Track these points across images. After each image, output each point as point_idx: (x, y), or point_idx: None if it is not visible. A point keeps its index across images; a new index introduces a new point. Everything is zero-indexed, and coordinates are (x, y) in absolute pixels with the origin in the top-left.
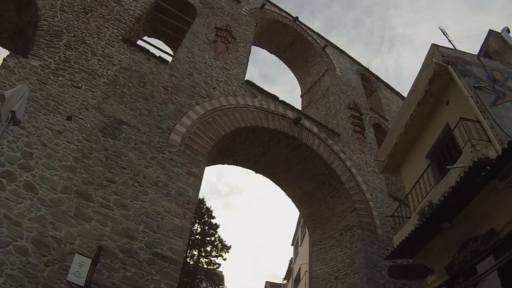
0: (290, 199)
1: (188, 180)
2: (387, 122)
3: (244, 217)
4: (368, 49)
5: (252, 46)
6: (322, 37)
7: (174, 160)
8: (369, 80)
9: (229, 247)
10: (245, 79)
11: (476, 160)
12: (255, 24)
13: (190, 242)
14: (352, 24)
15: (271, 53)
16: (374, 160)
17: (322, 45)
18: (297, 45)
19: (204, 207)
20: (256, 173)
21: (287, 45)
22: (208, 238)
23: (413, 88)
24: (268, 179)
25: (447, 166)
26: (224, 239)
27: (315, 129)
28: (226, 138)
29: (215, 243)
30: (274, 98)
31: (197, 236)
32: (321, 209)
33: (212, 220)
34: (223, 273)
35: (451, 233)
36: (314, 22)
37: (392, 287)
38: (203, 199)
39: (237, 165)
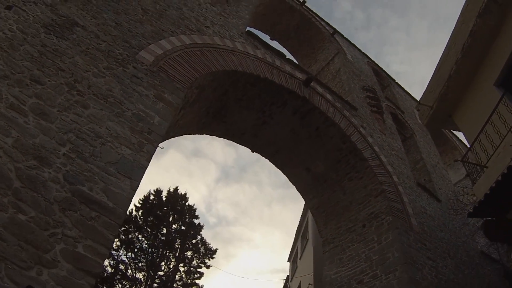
0: (295, 187)
1: (155, 105)
2: (404, 115)
3: (233, 247)
4: None
5: (254, 30)
6: (331, 26)
7: (139, 78)
8: (381, 76)
9: (215, 251)
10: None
11: None
12: None
13: (161, 243)
14: None
15: (273, 40)
16: (418, 105)
17: (331, 32)
18: (304, 30)
19: (187, 204)
20: (253, 151)
21: (292, 30)
22: (188, 241)
23: (467, 2)
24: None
25: None
26: (208, 236)
27: (328, 96)
28: (218, 86)
29: (198, 246)
30: (280, 55)
31: (177, 240)
32: (336, 196)
33: (195, 220)
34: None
35: None
36: None
37: None
38: (185, 194)
39: (229, 139)
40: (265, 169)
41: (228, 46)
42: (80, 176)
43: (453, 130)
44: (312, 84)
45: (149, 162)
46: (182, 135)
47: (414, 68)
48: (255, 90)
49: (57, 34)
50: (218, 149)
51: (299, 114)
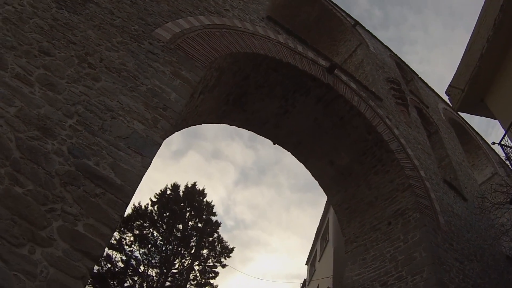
0: (317, 182)
1: (172, 82)
2: (429, 110)
3: (250, 251)
4: None
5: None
6: (352, 17)
7: (155, 54)
8: (404, 70)
9: (231, 250)
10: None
11: None
12: None
13: (176, 240)
14: None
15: (293, 31)
16: (449, 88)
17: (352, 23)
18: (324, 22)
19: (204, 200)
20: (275, 143)
21: (313, 22)
22: (205, 239)
23: None
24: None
25: None
26: (225, 239)
27: (353, 85)
28: (238, 70)
29: (215, 245)
30: (303, 41)
31: (193, 237)
32: (361, 191)
33: (212, 217)
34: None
35: None
36: None
37: None
38: (203, 190)
39: (250, 129)
40: (284, 172)
41: (248, 29)
42: (87, 149)
43: (485, 116)
44: (336, 71)
45: (164, 139)
46: (201, 123)
47: (433, 68)
48: (277, 76)
49: (69, 9)
50: (237, 151)
51: (323, 102)
